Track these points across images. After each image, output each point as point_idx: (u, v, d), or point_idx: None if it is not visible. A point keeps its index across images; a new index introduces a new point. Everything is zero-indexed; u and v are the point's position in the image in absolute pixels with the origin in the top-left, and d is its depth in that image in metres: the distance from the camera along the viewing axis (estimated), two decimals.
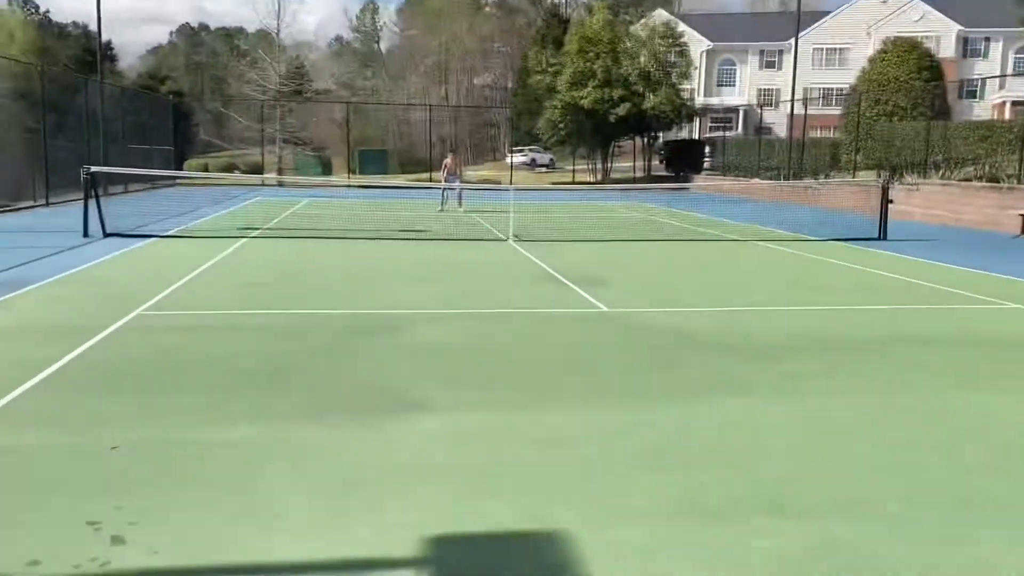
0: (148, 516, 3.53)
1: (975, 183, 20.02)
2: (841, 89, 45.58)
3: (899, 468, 4.29)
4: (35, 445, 4.36)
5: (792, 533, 3.50)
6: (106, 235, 13.99)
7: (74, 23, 74.84)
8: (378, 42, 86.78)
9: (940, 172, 22.66)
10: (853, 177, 26.34)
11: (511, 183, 35.23)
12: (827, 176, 29.09)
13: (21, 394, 5.19)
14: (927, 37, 46.31)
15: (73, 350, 6.27)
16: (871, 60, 29.38)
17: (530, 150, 51.59)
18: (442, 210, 21.40)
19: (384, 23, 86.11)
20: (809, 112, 33.43)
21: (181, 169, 39.32)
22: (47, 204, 21.63)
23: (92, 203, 14.25)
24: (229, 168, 44.82)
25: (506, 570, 3.16)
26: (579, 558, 3.24)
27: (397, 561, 3.20)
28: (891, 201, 17.03)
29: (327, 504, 3.70)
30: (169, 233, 15.07)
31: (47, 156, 22.47)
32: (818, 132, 41.97)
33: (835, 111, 40.21)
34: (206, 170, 43.23)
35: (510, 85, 64.99)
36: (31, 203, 21.59)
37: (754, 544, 3.39)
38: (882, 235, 15.94)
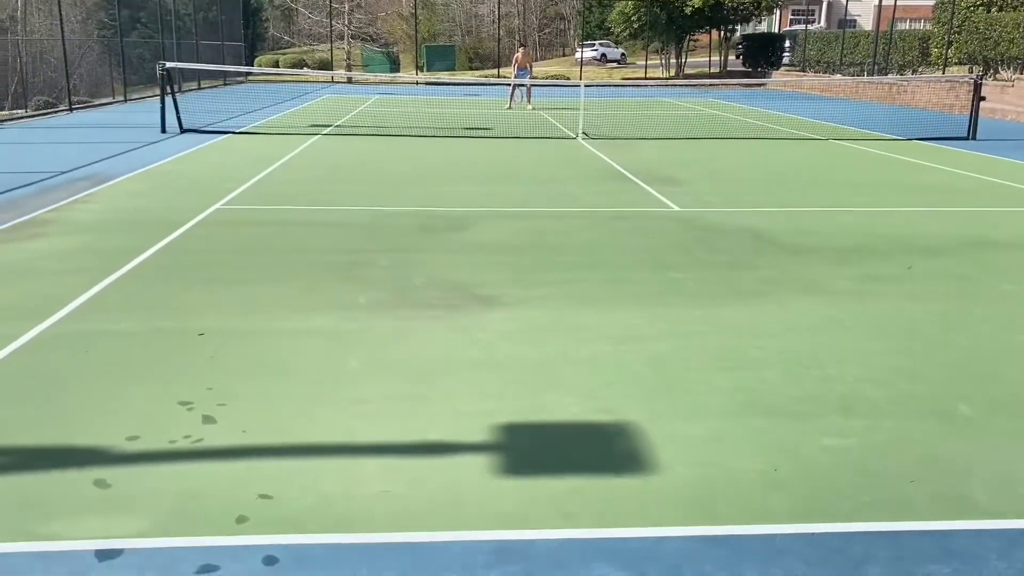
0: (236, 398, 3.74)
1: None
2: None
3: (972, 372, 4.22)
4: (127, 331, 4.61)
5: (862, 432, 3.52)
6: (183, 131, 14.28)
7: None
8: None
9: None
10: (943, 73, 24.94)
11: (580, 78, 34.42)
12: (915, 72, 27.59)
13: (111, 283, 5.46)
14: None
15: (157, 242, 6.53)
16: None
17: (600, 44, 50.03)
18: (510, 107, 21.10)
19: None
20: (899, 2, 31.50)
21: (252, 65, 39.47)
22: (125, 100, 22.08)
23: (168, 100, 14.50)
24: (299, 64, 44.78)
25: (575, 457, 3.27)
26: (646, 449, 3.33)
27: (471, 446, 3.34)
28: (983, 98, 16.12)
29: (404, 391, 3.85)
30: (243, 129, 15.28)
31: (123, 52, 22.79)
32: (907, 24, 39.59)
33: (928, 1, 37.76)
34: (276, 66, 43.30)
35: None
36: (110, 99, 22.08)
37: (823, 442, 3.42)
38: (971, 135, 15.17)
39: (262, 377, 3.99)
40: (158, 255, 6.20)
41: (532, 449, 3.35)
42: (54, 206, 7.93)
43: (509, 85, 22.09)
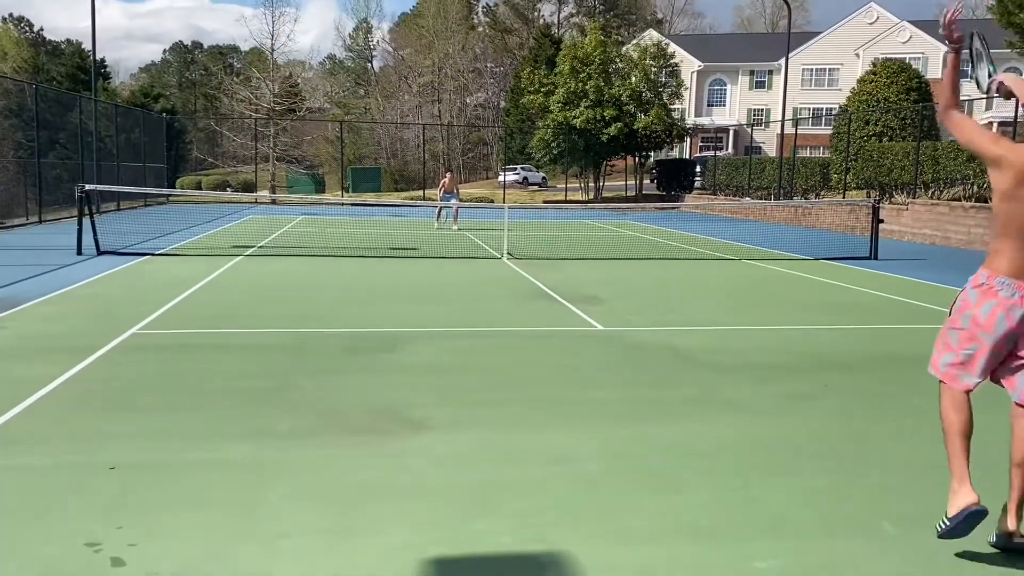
0: (148, 537, 3.53)
1: (964, 203, 20.20)
2: (831, 109, 45.98)
3: (891, 489, 4.32)
4: (32, 465, 4.35)
5: (791, 553, 3.52)
6: (100, 253, 13.98)
7: (68, 41, 74.83)
8: (371, 61, 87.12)
9: (929, 192, 22.85)
10: (843, 197, 26.52)
11: (504, 201, 35.35)
12: (818, 195, 29.27)
13: (18, 414, 5.18)
14: (915, 58, 46.80)
15: (69, 369, 6.27)
16: (860, 80, 29.61)
17: (522, 168, 51.81)
18: (439, 227, 21.82)
19: (377, 42, 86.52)
20: (799, 132, 33.72)
21: (174, 187, 39.32)
22: (40, 221, 21.59)
23: (86, 221, 14.24)
24: (222, 185, 44.82)
25: None
26: None
27: None
28: (882, 220, 17.17)
29: (329, 525, 3.71)
30: (163, 251, 15.06)
31: (40, 173, 22.45)
32: (808, 152, 42.28)
33: (825, 131, 40.55)
34: (199, 188, 43.24)
35: (502, 104, 65.34)
36: (24, 220, 21.55)
37: (754, 565, 3.41)
38: (873, 254, 16.05)
39: (176, 512, 3.79)
40: (68, 384, 5.94)
41: None
42: None
43: (435, 207, 22.88)
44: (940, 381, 3.54)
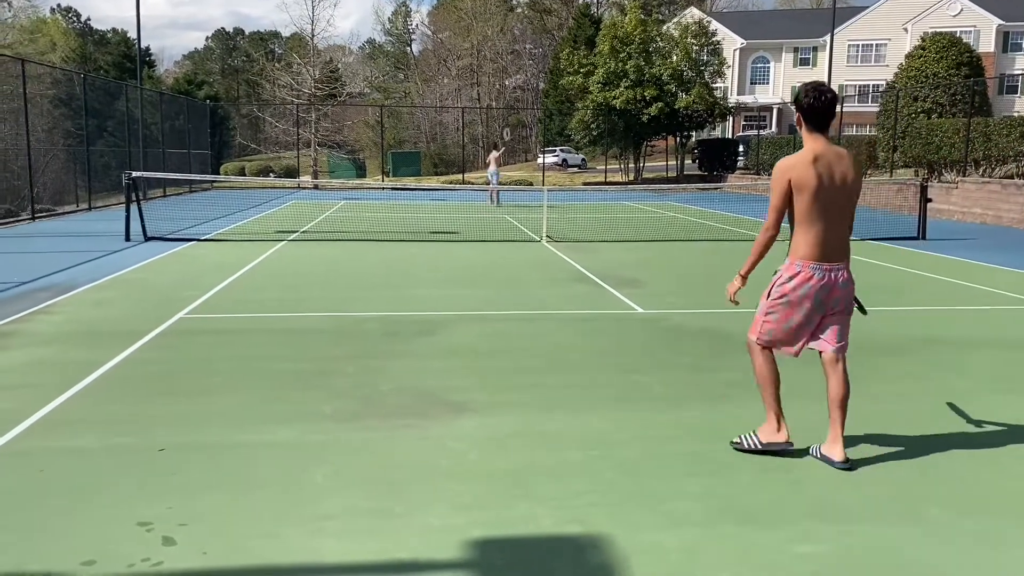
0: (197, 517, 3.62)
1: (1017, 180, 19.65)
2: (877, 85, 44.98)
3: (938, 473, 4.25)
4: (84, 448, 4.48)
5: (835, 538, 3.50)
6: (147, 239, 14.27)
7: (114, 30, 76.18)
8: (410, 44, 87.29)
9: (980, 169, 22.26)
10: (890, 176, 25.97)
11: (543, 184, 35.25)
12: (864, 175, 28.70)
13: (69, 398, 5.34)
14: (966, 32, 45.50)
15: (118, 354, 6.43)
16: (908, 56, 28.85)
17: (561, 150, 51.56)
18: (497, 206, 22.65)
19: (416, 26, 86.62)
20: (845, 109, 33.03)
21: (218, 173, 39.90)
22: (89, 208, 22.08)
23: (133, 207, 14.54)
24: (265, 171, 45.38)
25: (549, 572, 3.19)
26: (619, 561, 3.27)
27: (441, 563, 3.25)
28: (930, 200, 16.79)
29: (372, 506, 3.76)
30: (208, 236, 15.32)
31: (89, 161, 22.94)
32: (854, 130, 41.46)
33: (871, 108, 39.67)
34: (242, 174, 43.82)
35: (541, 86, 65.02)
36: (74, 207, 22.07)
37: (797, 550, 3.39)
38: (921, 234, 15.72)
39: (224, 493, 3.88)
40: (119, 367, 6.09)
41: (505, 565, 3.27)
42: (13, 317, 7.80)
43: (486, 189, 23.57)
44: (761, 346, 4.46)
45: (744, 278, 4.58)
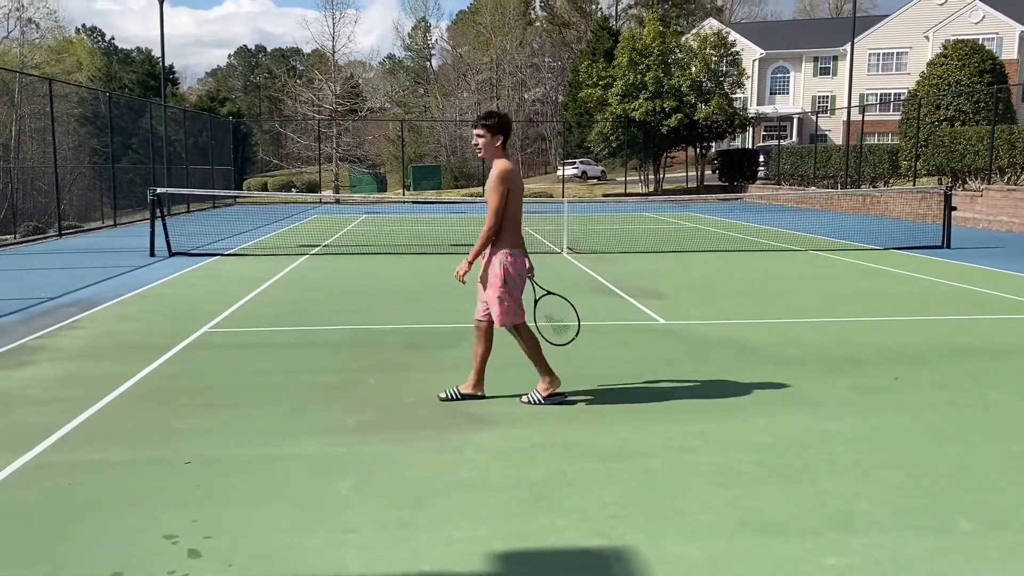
0: (223, 530, 3.64)
1: None
2: (899, 94, 44.68)
3: (968, 485, 4.19)
4: (111, 460, 4.52)
5: (862, 550, 3.45)
6: (172, 254, 14.42)
7: (138, 49, 77.31)
8: (430, 59, 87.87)
9: (1005, 177, 22.02)
10: (913, 184, 25.76)
11: (563, 195, 35.28)
12: (887, 183, 28.48)
13: (97, 411, 5.39)
14: (988, 39, 45.15)
15: (144, 368, 6.49)
16: (930, 64, 28.68)
17: (581, 162, 51.59)
18: None
19: (435, 41, 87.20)
20: (866, 118, 32.84)
21: (241, 188, 40.30)
22: (115, 224, 22.38)
23: (158, 223, 14.71)
24: (287, 186, 45.77)
25: None
26: (643, 574, 3.25)
27: None
28: (954, 208, 16.62)
29: (395, 518, 3.77)
30: (232, 251, 15.46)
31: (114, 178, 23.26)
32: (875, 138, 41.16)
33: (893, 116, 39.39)
34: (265, 189, 44.23)
35: (560, 99, 65.16)
36: (99, 223, 22.38)
37: (823, 562, 3.36)
38: (945, 243, 15.56)
39: (249, 506, 3.91)
40: (145, 381, 6.16)
41: None
42: (41, 333, 7.91)
43: None
44: (519, 324, 5.53)
45: None
